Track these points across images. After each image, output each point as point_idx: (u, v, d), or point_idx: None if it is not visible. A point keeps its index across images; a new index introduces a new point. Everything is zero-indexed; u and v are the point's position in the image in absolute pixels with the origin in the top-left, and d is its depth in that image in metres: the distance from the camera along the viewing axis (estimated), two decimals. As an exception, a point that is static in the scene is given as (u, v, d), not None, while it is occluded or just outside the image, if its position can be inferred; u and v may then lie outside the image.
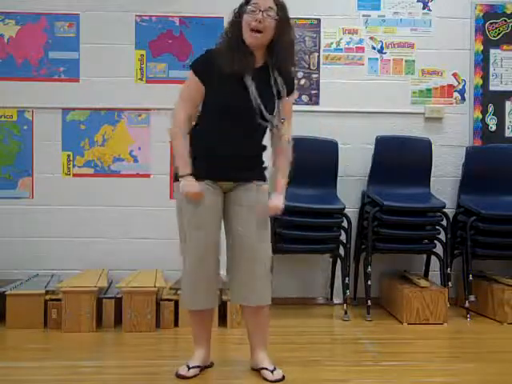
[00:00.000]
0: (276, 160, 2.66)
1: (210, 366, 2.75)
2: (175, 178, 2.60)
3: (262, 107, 2.50)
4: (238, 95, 2.49)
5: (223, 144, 2.53)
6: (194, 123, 2.61)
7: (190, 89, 2.58)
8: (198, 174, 2.54)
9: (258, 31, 2.46)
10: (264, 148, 2.66)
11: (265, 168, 2.68)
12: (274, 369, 2.60)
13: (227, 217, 2.63)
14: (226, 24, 2.61)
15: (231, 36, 2.52)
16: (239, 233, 2.58)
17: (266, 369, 2.60)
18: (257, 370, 2.66)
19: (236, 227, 2.60)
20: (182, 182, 2.53)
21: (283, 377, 2.58)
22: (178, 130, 2.57)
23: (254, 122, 2.51)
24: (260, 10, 2.45)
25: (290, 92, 2.61)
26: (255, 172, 2.63)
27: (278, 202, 2.60)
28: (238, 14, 2.52)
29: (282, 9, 2.51)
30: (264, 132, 2.63)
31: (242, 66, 2.46)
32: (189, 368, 2.63)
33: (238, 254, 2.59)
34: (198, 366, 2.66)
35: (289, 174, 2.68)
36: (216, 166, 2.54)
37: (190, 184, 2.52)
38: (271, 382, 2.56)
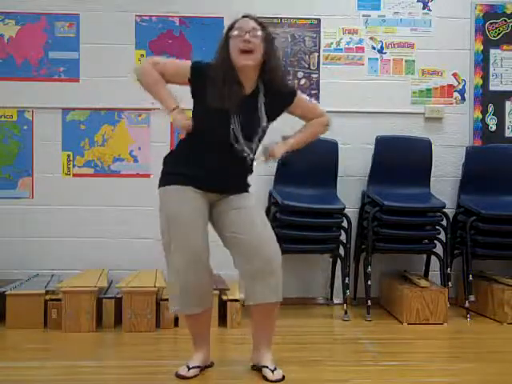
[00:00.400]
0: (308, 124, 2.72)
1: (211, 365, 2.75)
2: (160, 183, 2.69)
3: (241, 136, 2.52)
4: (220, 127, 2.51)
5: (206, 159, 2.55)
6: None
7: (178, 66, 2.60)
8: (182, 180, 2.58)
9: (248, 51, 2.47)
10: (250, 170, 2.69)
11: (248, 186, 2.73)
12: (275, 369, 2.60)
13: (219, 224, 2.64)
14: (217, 51, 2.59)
15: (220, 63, 2.52)
16: (238, 236, 2.58)
17: (267, 367, 2.60)
18: (257, 369, 2.65)
19: (231, 231, 2.60)
20: (173, 115, 2.52)
21: (283, 377, 2.58)
22: (148, 70, 2.55)
23: (232, 150, 2.54)
24: (246, 32, 2.47)
25: (290, 102, 2.65)
26: (240, 188, 2.67)
27: (278, 150, 2.60)
28: (224, 41, 2.53)
29: (264, 28, 2.53)
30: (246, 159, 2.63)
31: (227, 102, 2.47)
32: (189, 368, 2.62)
33: (245, 255, 2.58)
34: (198, 367, 2.66)
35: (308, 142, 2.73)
36: (201, 176, 2.56)
37: (183, 117, 2.52)
38: (271, 381, 2.56)
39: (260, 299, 2.58)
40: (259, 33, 2.49)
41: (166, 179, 2.67)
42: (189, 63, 2.58)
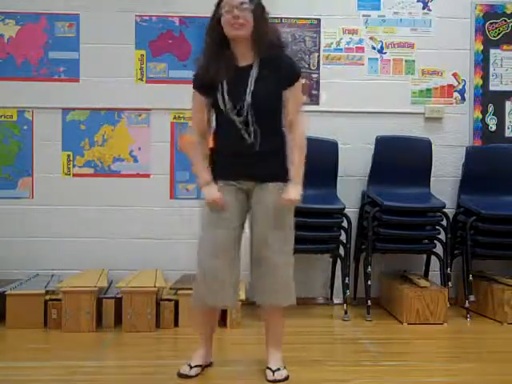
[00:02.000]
0: (289, 152, 2.63)
1: (210, 365, 2.75)
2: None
3: (231, 107, 2.52)
4: (214, 100, 2.55)
5: (225, 145, 2.59)
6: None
7: (195, 103, 2.66)
8: (215, 176, 2.62)
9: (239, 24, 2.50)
10: (279, 144, 2.61)
11: (286, 167, 2.63)
12: (278, 369, 2.60)
13: (250, 216, 2.66)
14: (207, 29, 2.61)
15: (211, 42, 2.55)
16: (256, 232, 2.61)
17: (270, 369, 2.61)
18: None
19: (254, 226, 2.63)
20: (203, 191, 2.60)
21: (285, 378, 2.58)
22: (192, 150, 2.70)
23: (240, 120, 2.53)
24: (234, 7, 2.48)
25: (287, 83, 2.58)
26: (273, 170, 2.60)
27: (292, 193, 2.57)
28: (214, 17, 2.55)
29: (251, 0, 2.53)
30: (274, 127, 2.60)
31: (213, 75, 2.51)
32: (191, 367, 2.63)
33: (256, 254, 2.61)
34: (200, 365, 2.67)
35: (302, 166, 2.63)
36: (230, 165, 2.59)
37: (209, 191, 2.58)
38: (268, 381, 2.57)
39: (262, 302, 2.64)
40: (247, 5, 2.50)
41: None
42: (193, 90, 2.63)
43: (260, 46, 2.53)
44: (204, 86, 2.57)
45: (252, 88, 2.52)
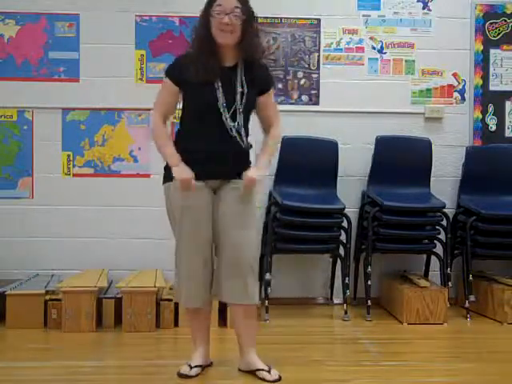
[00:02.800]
0: (263, 145, 2.72)
1: (210, 365, 2.75)
2: (164, 179, 2.68)
3: (223, 106, 2.54)
4: (207, 96, 2.56)
5: (202, 143, 2.58)
6: (176, 129, 2.72)
7: (165, 92, 2.68)
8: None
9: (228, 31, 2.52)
10: (248, 145, 2.67)
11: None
12: (270, 368, 2.60)
13: (216, 214, 2.64)
14: (195, 25, 2.65)
15: (200, 38, 2.59)
16: (220, 229, 2.61)
17: (262, 370, 2.60)
18: (250, 372, 2.64)
19: (221, 225, 2.61)
20: (174, 170, 2.58)
21: (280, 376, 2.58)
22: (157, 131, 2.71)
23: (223, 120, 2.56)
24: (226, 13, 2.50)
25: (266, 90, 2.67)
26: (239, 168, 2.63)
27: (251, 173, 2.60)
28: (205, 14, 2.57)
29: (245, 3, 2.56)
30: (247, 127, 2.66)
31: (208, 73, 2.53)
32: (191, 367, 2.63)
33: (221, 252, 2.62)
34: (200, 366, 2.66)
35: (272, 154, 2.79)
36: (198, 164, 2.57)
37: (181, 170, 2.57)
38: (271, 382, 2.56)
39: (229, 300, 2.65)
40: (239, 12, 2.51)
41: (165, 175, 2.70)
42: (166, 79, 2.66)
43: (245, 53, 2.58)
44: (184, 78, 2.57)
45: (241, 89, 2.57)
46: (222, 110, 2.54)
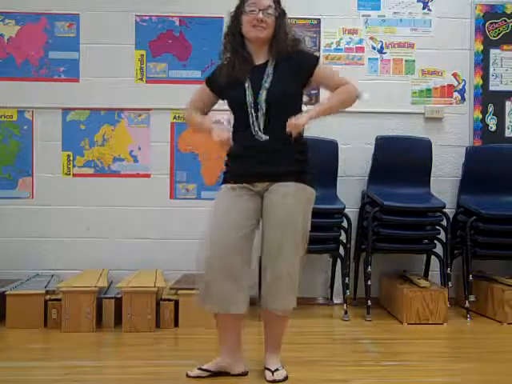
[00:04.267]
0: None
1: (245, 373, 2.65)
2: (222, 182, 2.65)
3: (252, 103, 2.52)
4: (238, 96, 2.55)
5: (244, 142, 2.55)
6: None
7: (199, 91, 2.74)
8: (227, 179, 2.61)
9: (261, 27, 2.53)
10: (292, 142, 2.54)
11: (304, 167, 2.60)
12: (277, 369, 2.59)
13: (263, 219, 2.60)
14: (224, 28, 2.67)
15: (230, 38, 2.59)
16: (265, 235, 2.58)
17: (269, 369, 2.60)
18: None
19: (263, 229, 2.59)
20: (214, 131, 2.57)
21: (285, 378, 2.57)
22: (186, 114, 2.80)
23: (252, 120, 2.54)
24: (260, 10, 2.51)
25: (311, 66, 2.60)
26: (286, 169, 2.55)
27: (296, 118, 2.48)
28: (236, 14, 2.58)
29: (277, 2, 2.58)
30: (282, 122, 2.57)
31: (237, 72, 2.54)
32: (198, 369, 2.61)
33: (265, 258, 2.57)
34: (207, 370, 2.61)
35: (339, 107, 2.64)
36: (242, 166, 2.56)
37: (221, 130, 2.57)
38: (268, 381, 2.56)
39: (266, 306, 2.60)
40: (272, 11, 2.53)
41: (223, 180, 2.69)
42: (203, 84, 2.72)
43: (276, 50, 2.57)
44: (219, 85, 2.60)
45: (267, 85, 2.53)
46: (249, 110, 2.52)
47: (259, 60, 2.59)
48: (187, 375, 2.61)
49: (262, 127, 2.52)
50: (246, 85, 2.54)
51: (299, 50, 2.64)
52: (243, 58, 2.56)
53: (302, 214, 2.57)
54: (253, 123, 2.53)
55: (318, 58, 2.67)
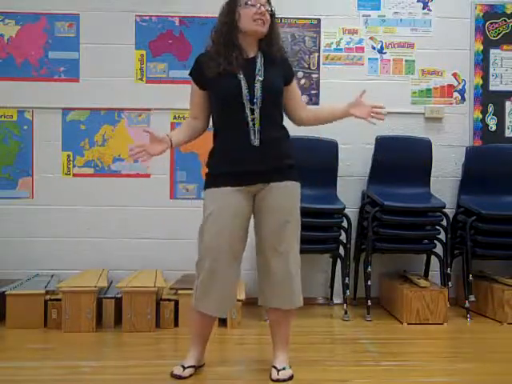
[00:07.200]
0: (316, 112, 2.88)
1: (202, 366, 2.75)
2: (204, 186, 2.63)
3: (247, 97, 2.53)
4: (231, 88, 2.54)
5: (235, 139, 2.55)
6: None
7: (192, 93, 2.69)
8: (219, 183, 2.56)
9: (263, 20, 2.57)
10: (283, 136, 2.63)
11: (292, 162, 2.64)
12: (283, 368, 2.60)
13: (255, 220, 2.63)
14: (217, 21, 2.66)
15: (222, 31, 2.59)
16: (261, 236, 2.59)
17: (275, 368, 2.61)
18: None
19: (258, 230, 2.61)
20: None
21: (290, 377, 2.58)
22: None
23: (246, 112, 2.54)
24: (260, 4, 2.56)
25: (291, 78, 2.72)
26: (279, 167, 2.58)
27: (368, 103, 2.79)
28: (230, 7, 2.59)
29: (270, 3, 2.64)
30: (277, 118, 2.64)
31: (231, 64, 2.54)
32: (184, 368, 2.62)
33: (264, 257, 2.60)
34: (193, 366, 2.66)
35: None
36: (234, 167, 2.55)
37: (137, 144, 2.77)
38: (272, 380, 2.57)
39: (273, 305, 2.63)
40: (269, 7, 2.59)
41: (206, 181, 2.66)
42: (191, 82, 2.67)
43: (268, 47, 2.61)
44: (206, 76, 2.56)
45: (261, 78, 2.56)
46: (244, 102, 2.52)
47: (250, 54, 2.62)
48: (180, 377, 2.60)
49: (258, 120, 2.53)
50: (241, 76, 2.54)
51: (285, 58, 2.72)
52: (239, 50, 2.57)
53: (296, 211, 2.64)
54: (248, 116, 2.52)
55: (292, 74, 2.76)
